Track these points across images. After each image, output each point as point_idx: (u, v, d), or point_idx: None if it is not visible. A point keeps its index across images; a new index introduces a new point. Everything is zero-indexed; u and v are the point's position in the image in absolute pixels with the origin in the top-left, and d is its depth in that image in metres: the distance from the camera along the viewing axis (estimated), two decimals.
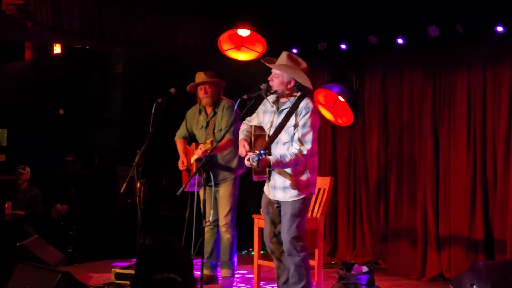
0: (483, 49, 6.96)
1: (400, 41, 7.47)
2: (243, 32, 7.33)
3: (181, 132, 7.13)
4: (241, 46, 7.43)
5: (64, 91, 10.70)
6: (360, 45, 7.93)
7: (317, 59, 8.21)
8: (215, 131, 6.74)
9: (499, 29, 6.61)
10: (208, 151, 6.20)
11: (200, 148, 6.53)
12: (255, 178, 5.58)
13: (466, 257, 7.08)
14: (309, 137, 5.43)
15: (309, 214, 6.67)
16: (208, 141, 6.44)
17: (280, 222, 5.64)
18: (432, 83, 7.46)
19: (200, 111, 6.96)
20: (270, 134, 5.57)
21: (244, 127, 5.90)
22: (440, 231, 7.35)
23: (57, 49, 10.63)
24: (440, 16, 7.01)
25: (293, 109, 5.47)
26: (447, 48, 7.29)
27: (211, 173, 6.49)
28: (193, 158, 6.73)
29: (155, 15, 7.63)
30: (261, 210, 5.93)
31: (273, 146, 5.51)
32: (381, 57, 7.93)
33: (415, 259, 7.58)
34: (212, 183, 6.51)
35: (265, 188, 5.74)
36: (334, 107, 8.03)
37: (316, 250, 6.52)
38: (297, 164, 5.44)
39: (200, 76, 6.91)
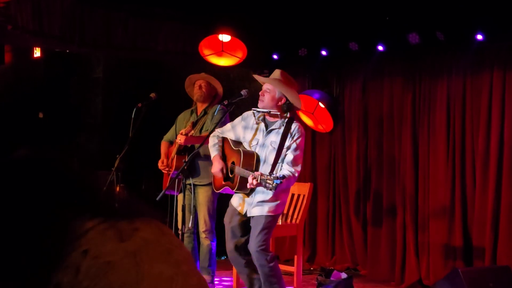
0: (463, 57, 7.00)
1: (380, 48, 7.50)
2: (224, 37, 7.33)
3: (168, 135, 7.07)
4: (222, 52, 7.43)
5: (44, 94, 10.63)
6: (341, 51, 7.95)
7: (297, 65, 8.23)
8: (202, 130, 6.67)
9: (479, 37, 6.65)
10: (189, 134, 6.26)
11: (181, 133, 6.48)
12: (235, 192, 5.61)
13: (444, 264, 7.11)
14: (300, 160, 5.48)
15: (288, 220, 6.69)
16: (188, 124, 6.42)
17: (242, 235, 5.62)
18: (412, 90, 7.48)
19: (191, 112, 6.95)
20: (257, 151, 5.55)
21: (215, 141, 5.84)
22: (419, 237, 7.38)
23: (37, 52, 10.57)
24: (420, 23, 7.05)
25: (286, 131, 5.47)
26: (428, 56, 7.33)
27: (192, 163, 6.45)
28: (173, 152, 6.69)
29: (137, 20, 7.61)
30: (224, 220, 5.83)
31: (259, 165, 5.53)
32: (362, 64, 7.95)
33: (394, 266, 7.60)
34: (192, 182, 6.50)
35: (235, 201, 5.70)
36: (314, 113, 8.04)
37: (295, 256, 6.51)
38: (288, 185, 5.48)
39: (201, 74, 6.96)
